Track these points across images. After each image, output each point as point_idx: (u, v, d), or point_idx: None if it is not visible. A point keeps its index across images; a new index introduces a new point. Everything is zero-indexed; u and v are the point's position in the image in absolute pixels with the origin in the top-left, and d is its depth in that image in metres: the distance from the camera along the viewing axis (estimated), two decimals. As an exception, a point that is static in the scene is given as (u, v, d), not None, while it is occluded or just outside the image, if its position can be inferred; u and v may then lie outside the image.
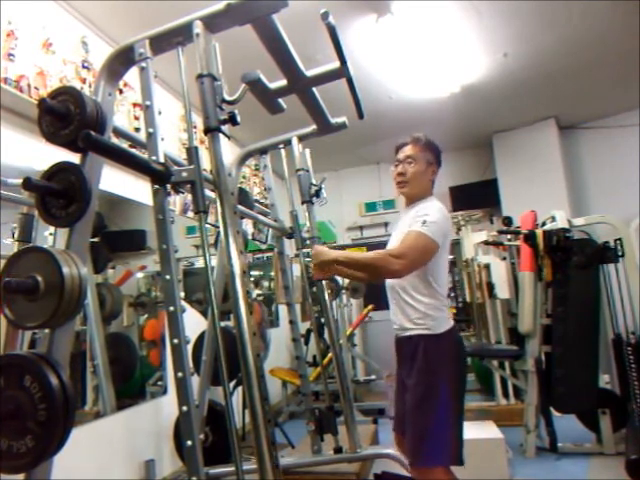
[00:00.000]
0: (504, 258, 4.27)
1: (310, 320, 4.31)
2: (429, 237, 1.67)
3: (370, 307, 5.02)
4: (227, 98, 1.24)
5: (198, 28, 1.24)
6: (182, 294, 3.39)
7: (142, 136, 1.34)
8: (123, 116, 2.94)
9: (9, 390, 0.95)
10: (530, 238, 3.13)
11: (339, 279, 4.46)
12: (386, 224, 5.93)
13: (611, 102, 4.81)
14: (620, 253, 2.98)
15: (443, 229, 1.74)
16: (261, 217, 2.57)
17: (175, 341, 1.15)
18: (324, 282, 2.44)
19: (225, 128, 1.23)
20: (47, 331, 1.07)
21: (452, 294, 6.17)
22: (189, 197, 1.38)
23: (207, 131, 1.21)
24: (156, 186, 1.22)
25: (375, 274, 1.72)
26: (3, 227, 1.94)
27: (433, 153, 1.92)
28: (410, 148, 1.91)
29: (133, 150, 1.31)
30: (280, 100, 1.63)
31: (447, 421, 1.68)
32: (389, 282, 1.89)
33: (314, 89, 1.68)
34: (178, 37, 1.31)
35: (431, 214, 1.73)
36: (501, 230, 3.85)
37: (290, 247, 2.81)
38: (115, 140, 1.68)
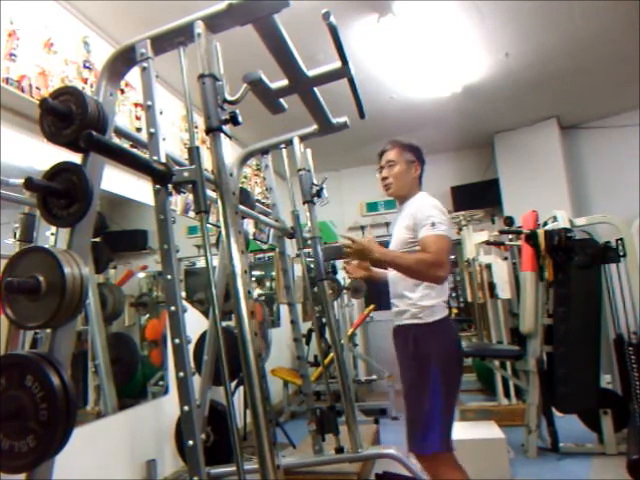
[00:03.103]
0: (505, 258, 4.26)
1: (311, 320, 4.32)
2: (446, 237, 1.79)
3: (371, 307, 5.02)
4: (228, 98, 1.24)
5: (199, 28, 1.23)
6: (183, 294, 3.39)
7: (143, 136, 1.34)
8: (124, 116, 2.94)
9: (11, 390, 0.95)
10: (532, 238, 3.12)
11: (340, 278, 4.45)
12: (387, 224, 5.93)
13: (612, 102, 4.81)
14: (621, 253, 2.98)
15: (448, 224, 1.85)
16: (262, 217, 2.56)
17: (176, 341, 1.15)
18: (325, 282, 2.43)
19: (227, 128, 1.23)
20: (48, 331, 1.07)
21: (454, 294, 6.18)
22: (190, 197, 1.39)
23: (208, 131, 1.21)
24: (157, 186, 1.22)
25: (418, 278, 1.82)
26: (4, 227, 1.94)
27: (413, 152, 2.01)
28: (390, 153, 2.02)
29: (134, 150, 1.31)
30: (281, 100, 1.63)
31: (436, 409, 1.72)
32: (390, 273, 1.97)
33: (315, 89, 1.68)
34: (179, 37, 1.31)
35: (434, 215, 1.81)
36: (502, 230, 3.85)
37: (291, 247, 2.80)
38: (116, 140, 1.68)
